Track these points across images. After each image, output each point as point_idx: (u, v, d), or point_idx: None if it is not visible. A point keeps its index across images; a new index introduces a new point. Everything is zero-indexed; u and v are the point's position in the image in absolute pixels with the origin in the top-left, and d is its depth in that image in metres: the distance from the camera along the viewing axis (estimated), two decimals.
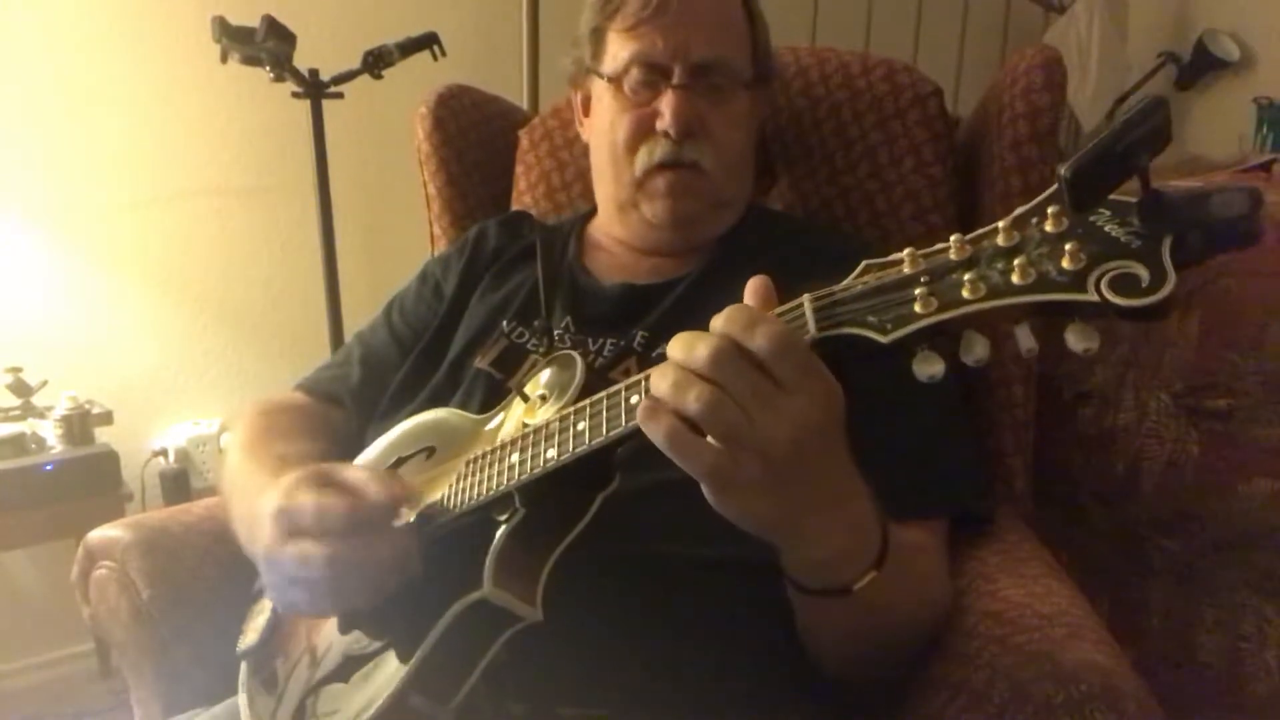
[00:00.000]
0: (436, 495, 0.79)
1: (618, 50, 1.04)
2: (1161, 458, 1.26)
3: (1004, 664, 0.74)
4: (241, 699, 0.89)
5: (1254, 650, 1.21)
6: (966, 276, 0.51)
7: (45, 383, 1.96)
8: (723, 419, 0.56)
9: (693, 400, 0.56)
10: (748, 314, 0.58)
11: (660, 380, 0.58)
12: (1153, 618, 1.29)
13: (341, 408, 1.10)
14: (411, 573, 0.72)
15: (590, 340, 1.00)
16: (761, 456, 0.57)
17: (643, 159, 1.03)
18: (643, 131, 1.03)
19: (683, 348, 0.58)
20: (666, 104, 1.00)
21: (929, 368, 0.53)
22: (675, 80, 1.00)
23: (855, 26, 2.56)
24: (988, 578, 0.89)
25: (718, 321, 0.58)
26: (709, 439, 0.57)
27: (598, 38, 1.07)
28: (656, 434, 0.58)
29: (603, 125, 1.07)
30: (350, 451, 1.00)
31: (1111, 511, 1.32)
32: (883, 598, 0.70)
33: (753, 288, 0.62)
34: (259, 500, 0.78)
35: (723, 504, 0.60)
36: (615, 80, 1.04)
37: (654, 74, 1.02)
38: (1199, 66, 3.13)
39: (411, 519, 0.74)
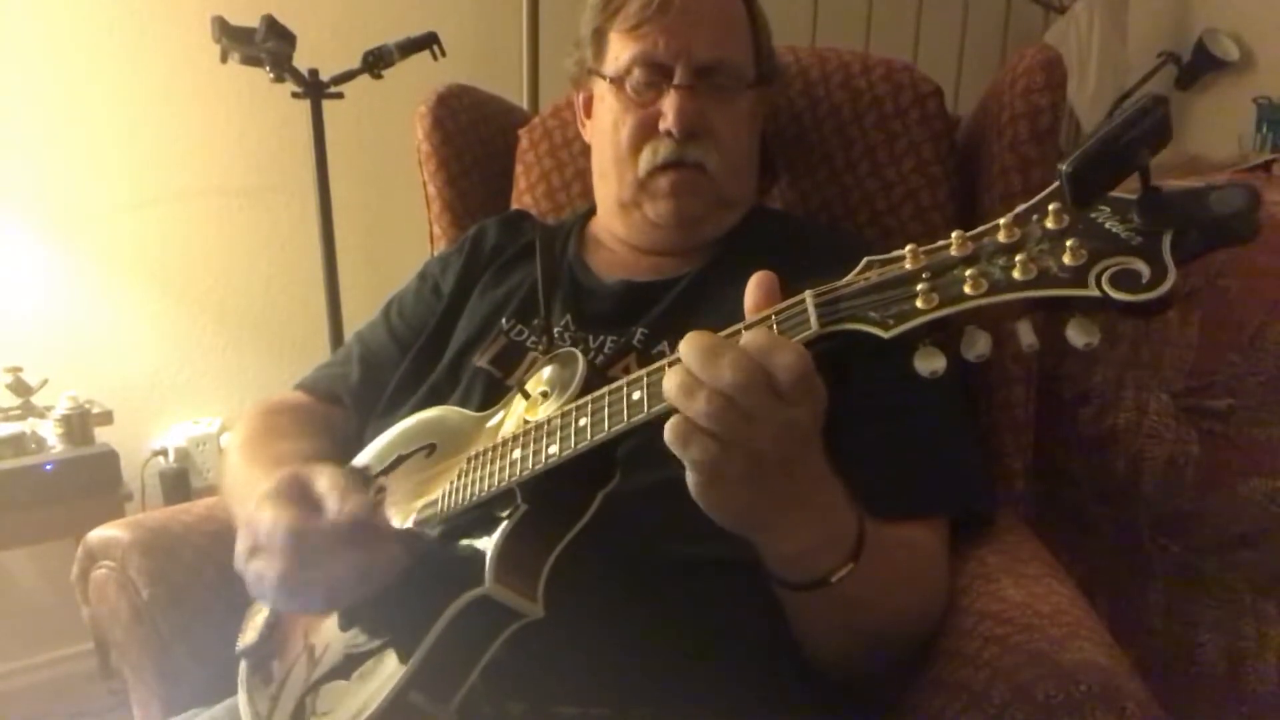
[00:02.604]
0: (437, 492, 0.79)
1: (619, 51, 1.04)
2: (1161, 458, 1.26)
3: (1004, 664, 0.74)
4: (241, 697, 0.89)
5: (1254, 650, 1.21)
6: (968, 272, 0.51)
7: (45, 382, 1.95)
8: (726, 425, 0.57)
9: (702, 404, 0.57)
10: (769, 340, 0.58)
11: (669, 381, 0.59)
12: (1153, 618, 1.29)
13: (341, 406, 1.11)
14: (385, 584, 0.73)
15: (590, 338, 1.00)
16: (750, 455, 0.58)
17: (646, 159, 1.03)
18: (646, 132, 1.02)
19: (703, 362, 0.58)
20: (669, 104, 1.00)
21: (931, 363, 0.53)
22: (678, 80, 1.00)
23: (855, 26, 2.56)
24: (988, 578, 0.89)
25: (743, 342, 0.58)
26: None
27: (599, 38, 1.07)
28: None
29: (605, 126, 1.07)
30: (350, 450, 1.00)
31: (1111, 511, 1.32)
32: (863, 590, 0.71)
33: (756, 282, 0.62)
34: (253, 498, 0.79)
35: (698, 492, 0.62)
36: (617, 81, 1.04)
37: (656, 74, 1.02)
38: (1199, 66, 3.13)
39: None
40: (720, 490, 0.62)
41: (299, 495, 0.75)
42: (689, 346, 0.58)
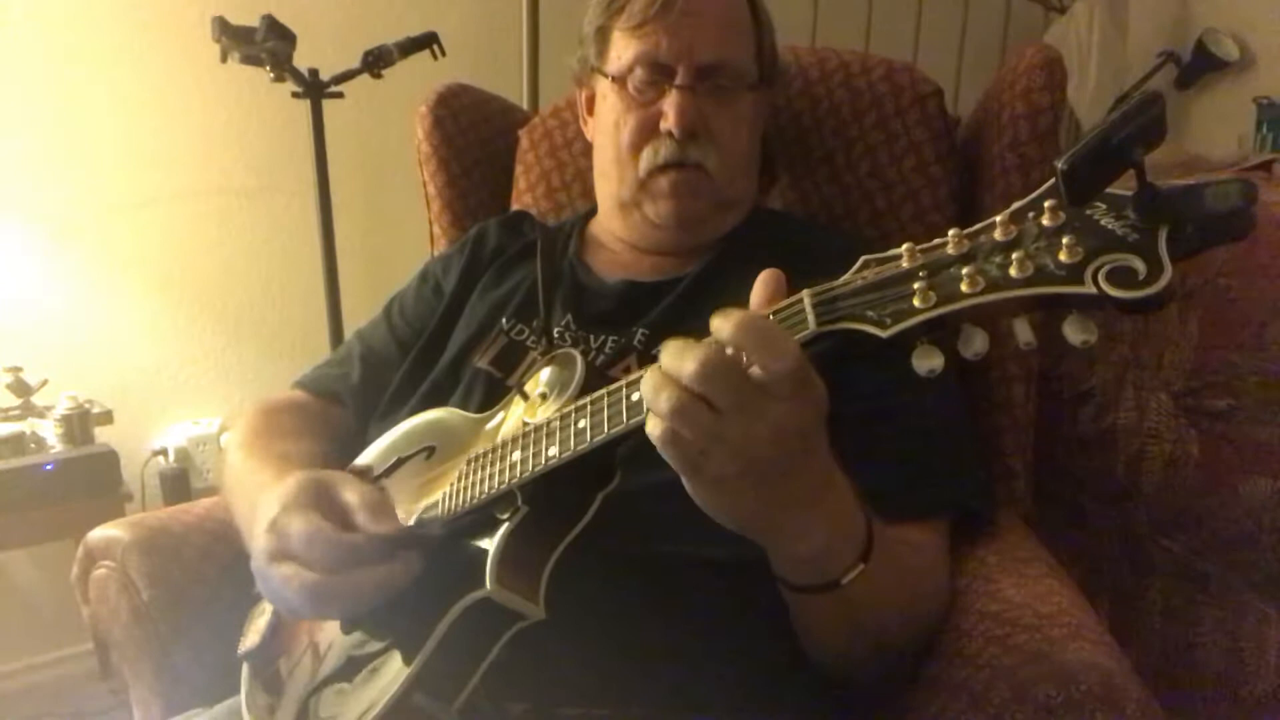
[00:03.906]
0: (437, 494, 0.79)
1: (622, 50, 1.04)
2: (1161, 458, 1.26)
3: (1004, 664, 0.74)
4: (243, 701, 0.89)
5: (1254, 650, 1.21)
6: (965, 270, 0.51)
7: (45, 383, 1.96)
8: (691, 422, 0.57)
9: (664, 404, 0.57)
10: (756, 327, 0.58)
11: (644, 382, 0.59)
12: (1153, 618, 1.29)
13: (341, 406, 1.10)
14: (396, 593, 0.72)
15: (591, 338, 1.00)
16: (737, 455, 0.58)
17: (647, 159, 1.03)
18: (647, 131, 1.02)
19: (672, 359, 0.58)
20: (670, 104, 1.00)
21: (928, 361, 0.53)
22: (679, 80, 1.00)
23: (855, 26, 2.56)
24: (988, 578, 0.89)
25: (724, 326, 0.57)
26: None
27: (602, 37, 1.07)
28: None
29: (607, 125, 1.07)
30: (350, 450, 1.00)
31: (1111, 511, 1.32)
32: (871, 592, 0.71)
33: (763, 280, 0.62)
34: (260, 500, 0.79)
35: (701, 497, 0.61)
36: (619, 80, 1.04)
37: (658, 74, 1.02)
38: (1199, 66, 3.13)
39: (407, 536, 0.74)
40: (721, 493, 0.61)
41: (323, 502, 0.74)
42: (665, 347, 0.59)
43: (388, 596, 0.72)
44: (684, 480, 0.61)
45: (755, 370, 0.57)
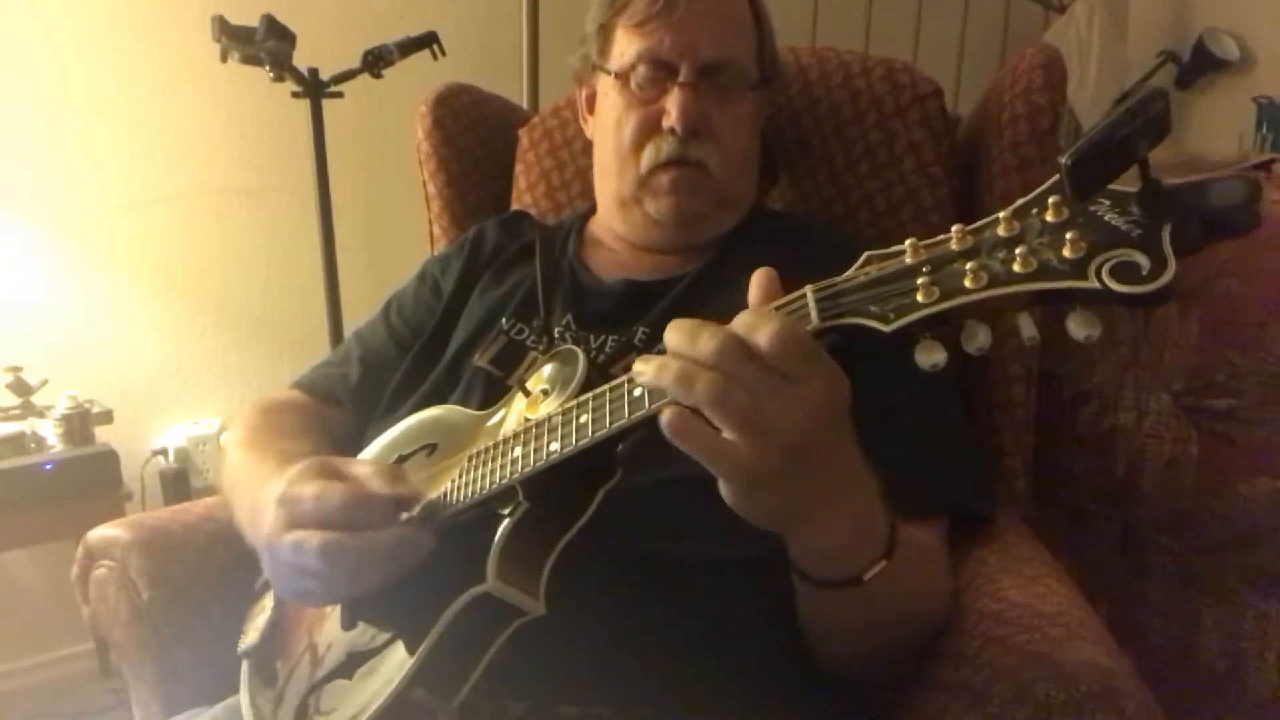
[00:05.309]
0: (439, 491, 0.79)
1: (625, 47, 1.04)
2: (1161, 458, 1.26)
3: (1004, 664, 0.74)
4: (243, 698, 0.89)
5: (1254, 650, 1.21)
6: (968, 266, 0.51)
7: (45, 382, 1.96)
8: (733, 406, 0.55)
9: (700, 389, 0.55)
10: (748, 316, 0.57)
11: (663, 373, 0.57)
12: (1153, 618, 1.29)
13: (338, 407, 1.10)
14: (408, 568, 0.72)
15: (592, 337, 1.00)
16: (779, 445, 0.57)
17: (648, 156, 1.03)
18: (649, 129, 1.03)
19: (685, 338, 0.57)
20: (673, 102, 1.00)
21: (931, 356, 0.53)
22: (683, 78, 1.01)
23: (855, 26, 2.56)
24: (988, 578, 0.89)
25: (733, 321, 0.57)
26: (727, 435, 0.57)
27: (605, 34, 1.07)
28: (691, 445, 0.57)
29: (608, 122, 1.07)
30: (348, 452, 0.99)
31: (1111, 511, 1.32)
32: (891, 589, 0.70)
33: (757, 280, 0.62)
34: (263, 490, 0.79)
35: (743, 498, 0.60)
36: (622, 77, 1.04)
37: (661, 71, 1.02)
38: (1199, 66, 3.13)
39: (415, 512, 0.74)
40: (759, 492, 0.60)
41: (333, 476, 0.75)
42: (672, 333, 0.58)
43: (398, 567, 0.71)
44: (725, 484, 0.59)
45: (761, 349, 0.56)
